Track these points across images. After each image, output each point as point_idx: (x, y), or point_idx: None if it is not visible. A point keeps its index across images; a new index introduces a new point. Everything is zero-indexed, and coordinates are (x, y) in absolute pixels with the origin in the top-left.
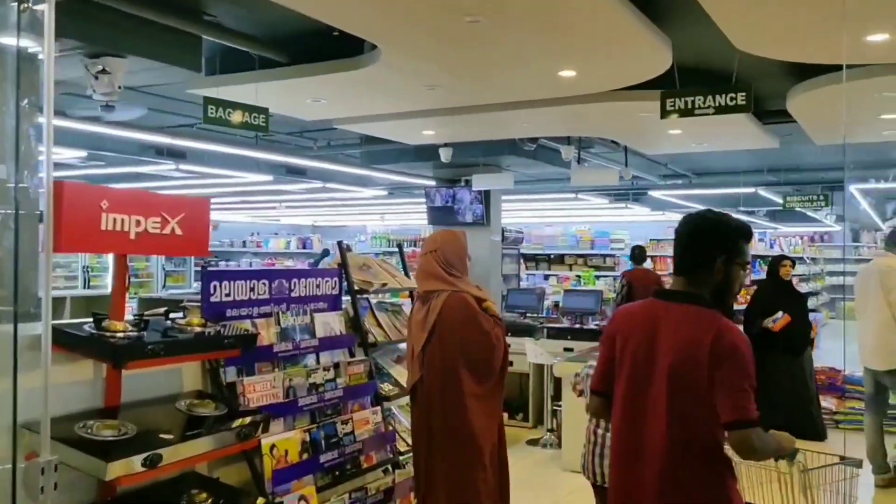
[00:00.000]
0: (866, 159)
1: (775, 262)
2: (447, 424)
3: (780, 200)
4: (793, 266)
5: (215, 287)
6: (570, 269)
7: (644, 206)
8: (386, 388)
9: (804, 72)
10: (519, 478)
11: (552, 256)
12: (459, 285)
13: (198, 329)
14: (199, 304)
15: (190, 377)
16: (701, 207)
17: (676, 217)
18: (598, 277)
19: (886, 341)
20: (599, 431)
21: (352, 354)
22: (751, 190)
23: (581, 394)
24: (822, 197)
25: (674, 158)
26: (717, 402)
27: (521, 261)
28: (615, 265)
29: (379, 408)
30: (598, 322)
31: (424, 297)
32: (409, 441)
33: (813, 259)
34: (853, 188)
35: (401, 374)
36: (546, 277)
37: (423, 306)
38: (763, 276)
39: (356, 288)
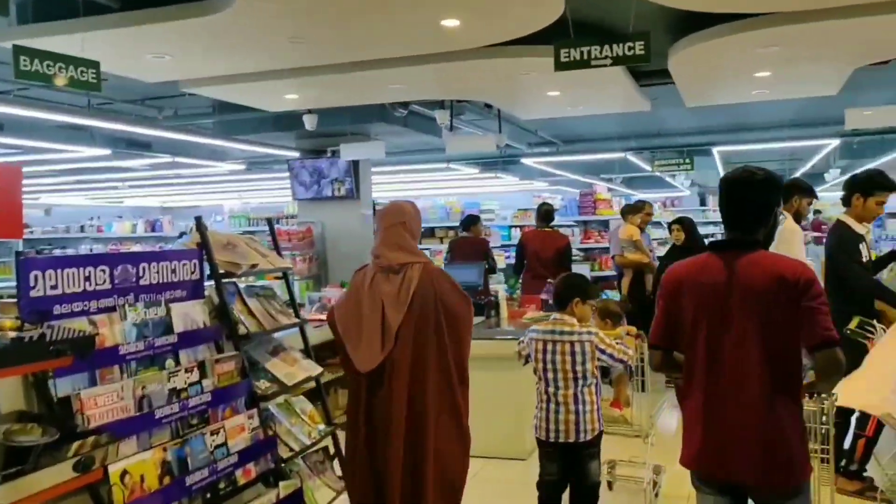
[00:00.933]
0: (725, 123)
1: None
2: (429, 403)
3: (647, 166)
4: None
5: (37, 278)
6: (441, 242)
7: (513, 176)
8: (262, 385)
9: (689, 28)
10: None
11: (422, 230)
12: (426, 258)
13: (11, 334)
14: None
15: (8, 396)
16: (578, 178)
17: (543, 186)
18: None
19: None
20: (550, 390)
21: (220, 350)
22: (620, 155)
23: (526, 360)
24: (687, 161)
25: (543, 125)
26: (803, 328)
27: None
28: (487, 236)
29: (255, 410)
30: (482, 298)
31: (395, 270)
32: (293, 445)
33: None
34: (715, 150)
35: (278, 367)
36: None
37: (395, 277)
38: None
39: (221, 271)
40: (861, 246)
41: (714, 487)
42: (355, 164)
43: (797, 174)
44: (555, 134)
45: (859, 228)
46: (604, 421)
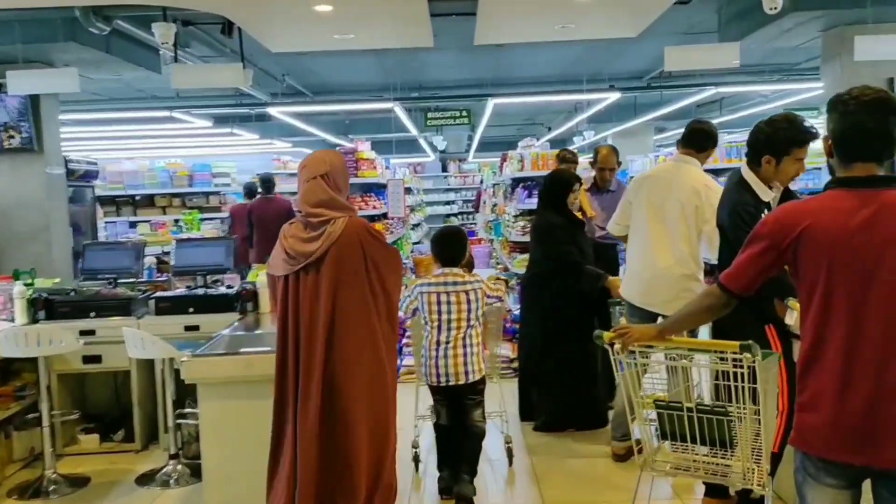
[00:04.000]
0: (493, 76)
1: (565, 184)
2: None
3: (408, 122)
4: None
5: None
6: (165, 213)
7: (252, 133)
8: None
9: None
10: None
11: (138, 198)
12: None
13: None
14: None
15: None
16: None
17: (285, 146)
18: (203, 220)
19: (690, 277)
20: (441, 338)
21: None
22: (387, 106)
23: (414, 313)
24: (464, 114)
25: (292, 67)
26: None
27: (98, 204)
28: (222, 204)
29: None
30: (244, 285)
31: (315, 226)
32: None
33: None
34: (491, 102)
35: None
36: (133, 225)
37: (314, 234)
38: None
39: None
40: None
41: (842, 474)
42: (35, 102)
43: (544, 138)
44: (304, 83)
45: (765, 194)
46: None
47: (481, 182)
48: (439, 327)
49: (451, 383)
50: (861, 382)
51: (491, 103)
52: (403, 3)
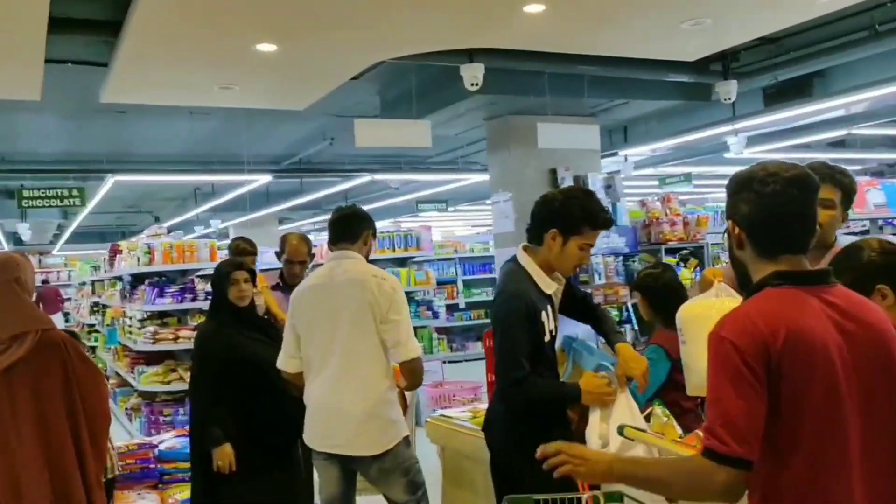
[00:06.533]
0: (105, 152)
1: (219, 276)
2: None
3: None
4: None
5: None
6: None
7: None
8: None
9: None
10: None
11: None
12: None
13: None
14: None
15: None
16: None
17: None
18: None
19: (379, 403)
20: None
21: None
22: None
23: None
24: (74, 193)
25: None
26: None
27: None
28: None
29: None
30: None
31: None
32: None
33: None
34: (112, 180)
35: None
36: None
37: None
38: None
39: None
40: (544, 315)
41: None
42: None
43: (162, 226)
44: None
45: (547, 286)
46: None
47: (44, 281)
48: None
49: None
50: None
51: (111, 181)
52: (9, 28)
